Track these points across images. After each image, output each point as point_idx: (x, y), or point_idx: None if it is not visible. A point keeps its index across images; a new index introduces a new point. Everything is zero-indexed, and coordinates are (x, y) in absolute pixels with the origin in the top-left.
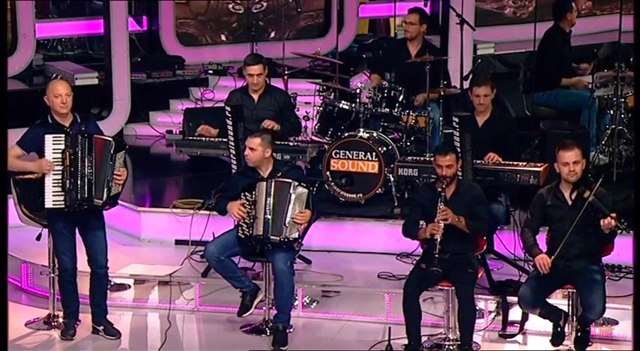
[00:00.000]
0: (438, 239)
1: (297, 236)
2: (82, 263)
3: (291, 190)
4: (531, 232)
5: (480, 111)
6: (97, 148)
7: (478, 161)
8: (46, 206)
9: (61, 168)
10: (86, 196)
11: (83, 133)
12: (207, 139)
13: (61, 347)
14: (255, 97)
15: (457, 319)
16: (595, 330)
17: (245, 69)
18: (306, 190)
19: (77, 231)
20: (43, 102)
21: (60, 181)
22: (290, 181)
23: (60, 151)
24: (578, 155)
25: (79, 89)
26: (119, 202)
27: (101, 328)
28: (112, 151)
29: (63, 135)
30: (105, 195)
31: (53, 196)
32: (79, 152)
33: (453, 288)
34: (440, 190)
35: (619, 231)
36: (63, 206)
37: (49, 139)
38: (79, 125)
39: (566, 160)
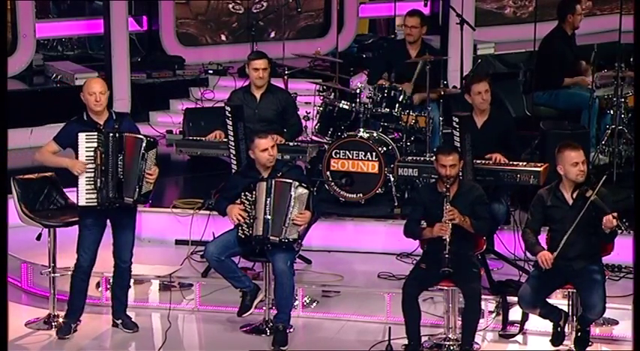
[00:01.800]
0: (448, 239)
1: (296, 237)
2: (98, 264)
3: (292, 191)
4: (532, 233)
5: (482, 109)
6: (129, 147)
7: (478, 161)
8: (79, 204)
9: (93, 166)
10: (117, 194)
11: (115, 132)
12: (208, 139)
13: (61, 347)
14: (258, 95)
15: (461, 318)
16: (595, 330)
17: (249, 65)
18: (306, 191)
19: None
20: (57, 100)
21: (92, 179)
22: (290, 181)
23: (92, 149)
24: (583, 154)
25: (79, 89)
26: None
27: (120, 321)
28: (143, 149)
29: (96, 133)
30: (136, 193)
31: (86, 194)
32: (110, 151)
33: (455, 288)
34: (445, 189)
35: (620, 231)
36: (95, 204)
37: (82, 137)
38: (114, 123)
39: (575, 160)
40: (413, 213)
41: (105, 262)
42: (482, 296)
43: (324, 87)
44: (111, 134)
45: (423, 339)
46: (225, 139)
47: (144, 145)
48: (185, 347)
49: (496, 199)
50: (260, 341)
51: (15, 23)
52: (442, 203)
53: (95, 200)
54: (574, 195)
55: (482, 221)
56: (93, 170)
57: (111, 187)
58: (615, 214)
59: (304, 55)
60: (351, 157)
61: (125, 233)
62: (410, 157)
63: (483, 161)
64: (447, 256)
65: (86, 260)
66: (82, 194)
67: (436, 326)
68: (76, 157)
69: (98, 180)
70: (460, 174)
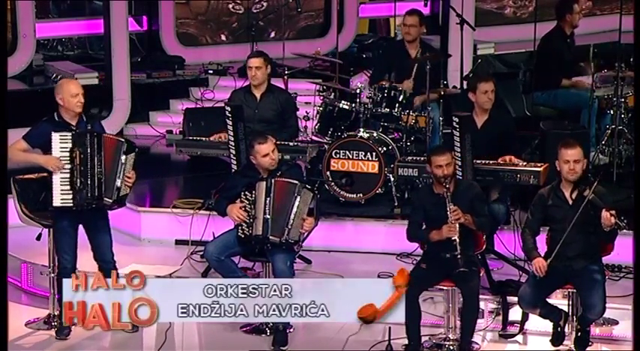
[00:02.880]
0: (457, 240)
1: (297, 239)
2: (82, 263)
3: (297, 193)
4: (531, 234)
5: (485, 109)
6: (108, 148)
7: (478, 161)
8: (54, 205)
9: (69, 167)
10: (96, 194)
11: (92, 132)
12: (208, 139)
13: (61, 347)
14: (258, 95)
15: (460, 317)
16: (595, 330)
17: (247, 63)
18: (311, 194)
19: (82, 229)
20: (53, 100)
21: (68, 179)
22: (296, 182)
23: (67, 149)
24: (579, 154)
25: None
26: None
27: None
28: (123, 152)
29: (70, 133)
30: (114, 194)
31: (61, 194)
32: (89, 151)
33: (455, 288)
34: (445, 190)
35: (619, 229)
36: (71, 205)
37: (55, 136)
38: (85, 124)
39: (567, 158)
40: (413, 216)
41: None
42: (483, 296)
43: (324, 87)
44: (88, 134)
45: (423, 339)
46: (217, 139)
47: (124, 148)
48: (185, 347)
49: (496, 199)
50: (260, 341)
51: (15, 23)
52: (442, 205)
53: (71, 201)
54: (574, 195)
55: (483, 218)
56: (69, 171)
57: (90, 188)
58: (613, 212)
59: (304, 55)
60: (351, 157)
61: (101, 235)
62: (410, 157)
63: (483, 161)
64: (459, 256)
65: (69, 262)
66: (57, 195)
67: (436, 326)
68: None
69: (77, 180)
70: (460, 174)
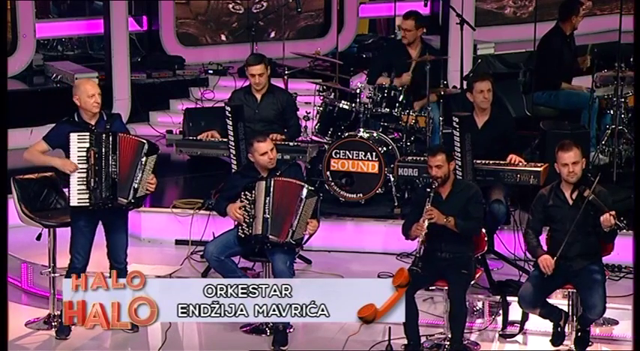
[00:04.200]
0: (420, 239)
1: (300, 241)
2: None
3: (302, 194)
4: (534, 234)
5: (483, 108)
6: (128, 148)
7: (478, 161)
8: (71, 204)
9: (85, 166)
10: (110, 194)
11: (108, 132)
12: (208, 139)
13: (61, 347)
14: (258, 96)
15: (448, 318)
16: (595, 330)
17: (247, 69)
18: (315, 196)
19: (100, 227)
20: (58, 100)
21: (85, 179)
22: (303, 184)
23: (84, 149)
24: (577, 155)
25: None
26: None
27: None
28: (144, 153)
29: (88, 133)
30: (130, 195)
31: (78, 194)
32: (104, 151)
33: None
34: (428, 190)
35: (619, 230)
36: (88, 204)
37: (74, 137)
38: (105, 123)
39: (565, 161)
40: (410, 214)
41: (102, 262)
42: (483, 296)
43: (324, 87)
44: (104, 134)
45: (423, 339)
46: (222, 139)
47: (145, 149)
48: (185, 347)
49: (496, 199)
50: (260, 341)
51: (15, 23)
52: (436, 204)
53: (87, 200)
54: (574, 195)
55: (471, 221)
56: (85, 170)
57: (104, 187)
58: (613, 213)
59: (304, 55)
60: (351, 157)
61: (118, 235)
62: (410, 157)
63: (483, 161)
64: (417, 255)
65: (80, 262)
66: (74, 194)
67: (435, 326)
68: (67, 158)
69: (92, 180)
70: (460, 174)
